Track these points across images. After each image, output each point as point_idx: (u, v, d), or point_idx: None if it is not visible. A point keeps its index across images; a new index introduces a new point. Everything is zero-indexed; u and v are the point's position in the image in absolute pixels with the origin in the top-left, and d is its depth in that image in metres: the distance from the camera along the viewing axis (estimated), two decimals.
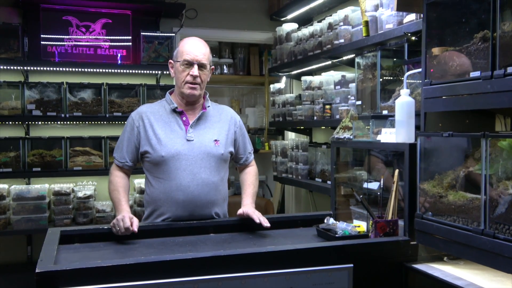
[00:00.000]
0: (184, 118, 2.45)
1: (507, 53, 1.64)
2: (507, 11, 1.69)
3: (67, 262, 1.88)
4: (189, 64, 2.37)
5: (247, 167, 2.65)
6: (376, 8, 2.91)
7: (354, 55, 3.19)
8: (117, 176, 2.44)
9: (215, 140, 2.44)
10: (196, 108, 2.49)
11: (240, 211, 2.38)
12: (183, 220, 2.38)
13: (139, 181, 4.16)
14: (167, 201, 2.38)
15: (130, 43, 4.35)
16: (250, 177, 2.61)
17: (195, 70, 2.36)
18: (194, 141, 2.41)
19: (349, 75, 3.44)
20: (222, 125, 2.51)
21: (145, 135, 2.41)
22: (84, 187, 4.17)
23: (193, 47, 2.40)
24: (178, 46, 2.47)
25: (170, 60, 2.51)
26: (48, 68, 4.14)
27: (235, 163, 2.67)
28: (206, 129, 2.46)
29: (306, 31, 3.98)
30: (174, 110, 2.45)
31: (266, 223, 2.26)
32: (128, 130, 2.45)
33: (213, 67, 2.52)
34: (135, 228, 2.17)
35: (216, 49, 5.47)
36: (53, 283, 1.61)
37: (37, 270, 1.61)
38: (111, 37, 4.31)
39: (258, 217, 2.30)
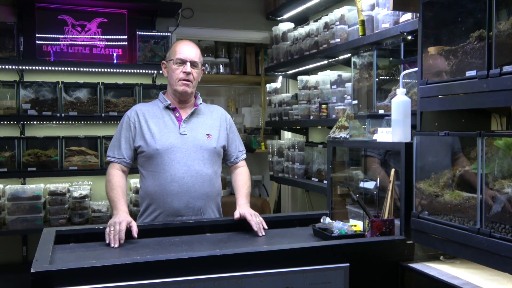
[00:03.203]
0: (177, 114, 2.53)
1: (503, 52, 1.64)
2: (503, 10, 1.70)
3: (63, 262, 1.87)
4: (182, 62, 2.48)
5: (238, 168, 2.66)
6: (372, 7, 2.91)
7: (350, 54, 3.20)
8: (115, 175, 2.44)
9: (208, 134, 2.52)
10: (188, 106, 2.58)
11: (236, 215, 2.37)
12: (177, 213, 2.40)
13: (135, 181, 4.15)
14: (162, 193, 2.42)
15: (126, 43, 4.34)
16: (243, 177, 2.62)
17: (188, 67, 2.47)
18: (188, 135, 2.48)
19: (345, 74, 3.44)
20: (213, 121, 2.58)
21: (140, 131, 2.47)
22: (80, 187, 4.16)
23: (185, 47, 2.51)
24: (170, 48, 2.58)
25: (163, 61, 2.61)
26: (43, 68, 4.12)
27: (226, 162, 2.67)
28: (199, 124, 2.54)
29: (302, 30, 3.99)
30: (168, 107, 2.53)
31: (261, 232, 2.28)
32: (125, 127, 2.50)
33: (203, 68, 2.63)
34: (135, 233, 2.17)
35: (212, 49, 5.47)
36: (48, 283, 1.60)
37: (32, 270, 1.60)
38: (107, 37, 4.30)
39: (256, 223, 2.30)
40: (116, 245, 2.10)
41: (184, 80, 2.47)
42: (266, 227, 2.32)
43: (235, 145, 2.66)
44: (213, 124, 2.57)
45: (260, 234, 2.28)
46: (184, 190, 2.42)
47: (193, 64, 2.49)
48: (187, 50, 2.50)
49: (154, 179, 2.44)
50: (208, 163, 2.49)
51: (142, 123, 2.47)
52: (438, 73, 1.98)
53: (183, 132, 2.48)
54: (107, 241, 2.12)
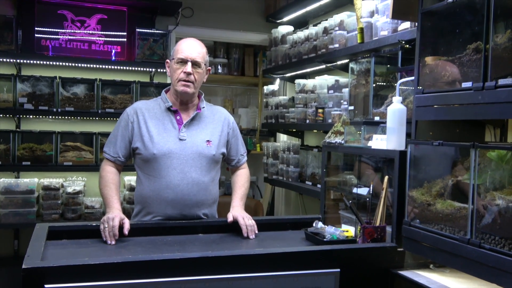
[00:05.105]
0: (178, 117, 2.45)
1: (499, 65, 1.66)
2: (500, 23, 1.71)
3: (54, 258, 1.87)
4: (183, 62, 2.38)
5: (239, 169, 2.65)
6: (372, 14, 2.92)
7: (348, 60, 3.21)
8: (109, 172, 2.42)
9: (207, 141, 2.45)
10: (190, 108, 2.49)
11: (230, 218, 2.37)
12: (171, 219, 2.39)
13: (129, 178, 4.15)
14: (156, 199, 2.38)
15: (125, 40, 4.34)
16: (241, 179, 2.61)
17: (188, 67, 2.37)
18: (187, 141, 2.41)
19: (342, 79, 3.46)
20: (215, 126, 2.51)
21: (138, 131, 2.41)
22: (74, 182, 4.15)
23: (188, 46, 2.42)
24: (175, 46, 2.49)
25: (167, 60, 2.52)
26: (41, 62, 4.12)
27: (227, 164, 2.67)
28: (199, 129, 2.47)
29: (301, 34, 4.00)
30: (169, 109, 2.46)
31: (251, 235, 2.30)
32: (123, 125, 2.44)
33: (209, 68, 2.53)
34: (126, 231, 2.18)
35: (211, 49, 5.47)
36: (40, 279, 1.60)
37: (23, 266, 1.61)
38: (106, 33, 4.29)
39: (246, 226, 2.32)
40: (113, 243, 2.12)
41: (184, 81, 2.37)
42: (257, 232, 2.33)
43: (237, 149, 2.61)
44: (215, 129, 2.50)
45: (250, 237, 2.29)
46: (179, 198, 2.37)
47: (195, 64, 2.38)
48: (188, 49, 2.39)
49: (149, 183, 2.40)
50: (206, 170, 2.43)
51: (141, 124, 2.41)
52: (434, 83, 1.99)
53: (182, 138, 2.41)
54: (104, 239, 2.14)
